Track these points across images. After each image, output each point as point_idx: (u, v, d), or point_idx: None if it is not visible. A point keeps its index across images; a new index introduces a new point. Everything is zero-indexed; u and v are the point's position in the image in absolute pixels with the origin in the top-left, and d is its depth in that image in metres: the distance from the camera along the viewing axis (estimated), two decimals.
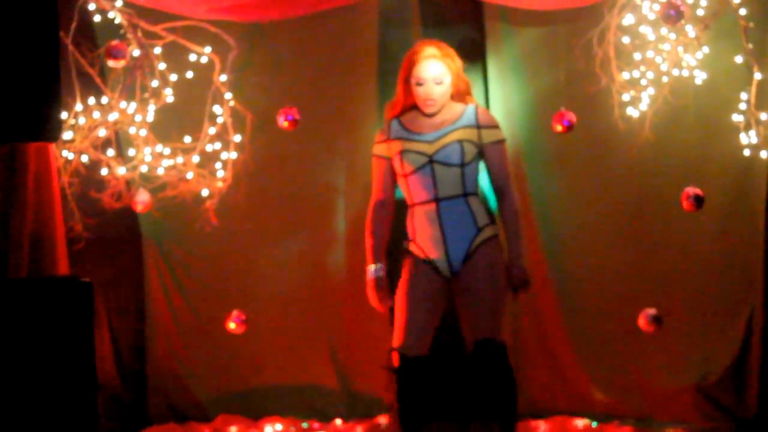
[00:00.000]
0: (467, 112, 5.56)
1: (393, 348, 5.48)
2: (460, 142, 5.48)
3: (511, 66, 6.79)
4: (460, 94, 5.60)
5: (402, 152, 5.53)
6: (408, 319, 5.49)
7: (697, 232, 6.69)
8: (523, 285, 5.53)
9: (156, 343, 6.91)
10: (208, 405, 6.90)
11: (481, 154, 5.57)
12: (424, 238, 5.54)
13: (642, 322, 6.24)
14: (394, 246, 5.76)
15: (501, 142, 5.60)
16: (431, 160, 5.48)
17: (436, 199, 5.49)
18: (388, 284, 5.63)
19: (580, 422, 6.69)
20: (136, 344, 6.93)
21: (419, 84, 5.49)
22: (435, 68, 5.48)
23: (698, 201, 6.14)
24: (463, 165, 5.48)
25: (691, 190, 6.15)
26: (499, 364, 5.40)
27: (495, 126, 5.60)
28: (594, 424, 6.69)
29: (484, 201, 5.73)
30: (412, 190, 5.55)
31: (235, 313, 6.40)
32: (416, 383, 5.42)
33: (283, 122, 6.20)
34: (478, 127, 5.53)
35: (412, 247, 5.60)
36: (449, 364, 5.81)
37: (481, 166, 5.65)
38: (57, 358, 5.87)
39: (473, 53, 6.74)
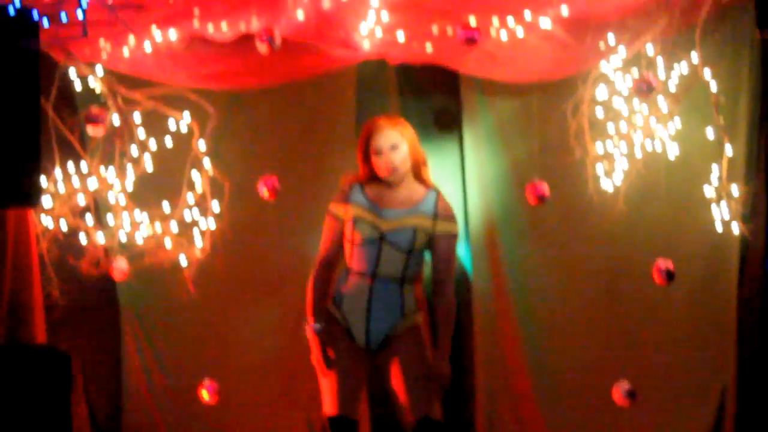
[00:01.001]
0: (428, 198, 5.56)
1: (326, 418, 5.54)
2: (415, 229, 5.48)
3: (486, 136, 6.87)
4: (418, 166, 5.59)
5: (356, 220, 5.54)
6: (338, 383, 5.52)
7: (669, 305, 6.73)
8: (442, 381, 5.48)
9: (132, 410, 6.89)
10: None
11: (428, 244, 5.55)
12: (349, 307, 5.55)
13: (616, 395, 6.25)
14: None
15: (453, 236, 5.57)
16: (381, 237, 5.50)
17: (373, 276, 5.50)
18: (330, 336, 5.58)
19: None
20: (112, 412, 6.90)
21: (378, 153, 5.51)
22: (390, 135, 5.50)
23: (669, 275, 6.17)
24: (410, 252, 5.49)
25: (663, 263, 6.18)
26: None
27: (451, 218, 5.57)
28: None
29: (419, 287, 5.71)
30: (355, 258, 5.56)
31: (207, 381, 6.38)
32: None
33: (263, 191, 6.22)
34: (435, 217, 5.52)
35: (336, 312, 5.60)
36: None
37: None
38: (33, 427, 5.87)
39: (450, 123, 6.86)
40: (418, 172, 5.60)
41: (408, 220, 5.50)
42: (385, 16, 6.02)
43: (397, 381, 5.48)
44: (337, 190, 5.70)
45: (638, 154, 6.35)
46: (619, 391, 6.24)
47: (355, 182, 5.65)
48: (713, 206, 6.37)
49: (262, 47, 5.79)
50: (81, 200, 6.27)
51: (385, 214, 5.52)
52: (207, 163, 6.36)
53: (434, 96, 7.00)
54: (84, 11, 4.92)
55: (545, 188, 6.31)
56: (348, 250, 5.60)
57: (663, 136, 6.33)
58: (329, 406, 5.53)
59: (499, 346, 6.89)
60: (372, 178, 5.60)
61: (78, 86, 6.26)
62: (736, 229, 6.37)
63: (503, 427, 6.85)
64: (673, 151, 6.35)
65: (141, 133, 6.29)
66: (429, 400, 5.46)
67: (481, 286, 6.83)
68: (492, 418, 6.80)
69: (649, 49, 6.20)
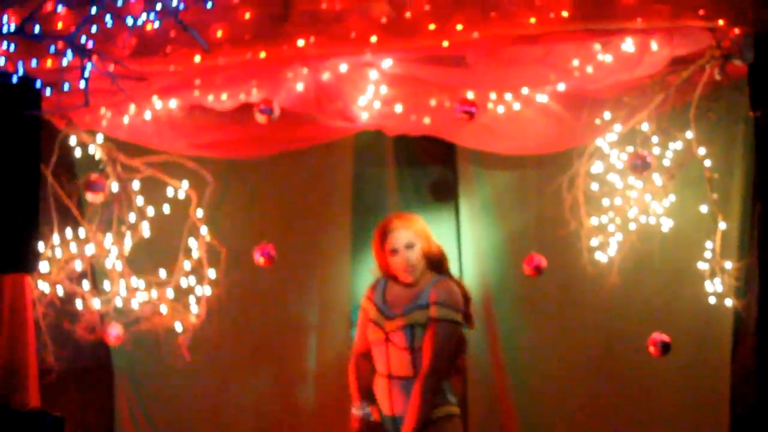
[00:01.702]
0: (427, 287, 5.56)
1: None
2: (412, 327, 5.48)
3: (482, 207, 6.93)
4: (435, 263, 5.62)
5: (371, 322, 5.64)
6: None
7: (663, 376, 6.77)
8: None
9: None
10: None
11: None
12: (380, 402, 5.61)
13: None
14: None
15: (439, 320, 5.43)
16: (387, 339, 5.54)
17: (389, 376, 5.53)
18: (374, 426, 5.60)
19: None
20: None
21: (393, 253, 5.56)
22: (404, 235, 5.54)
23: (665, 347, 6.18)
24: (412, 350, 5.48)
25: (658, 336, 6.19)
26: None
27: (447, 304, 5.47)
28: None
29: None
30: (375, 358, 5.64)
31: None
32: None
33: (259, 258, 6.23)
34: (427, 305, 5.49)
35: (375, 404, 5.66)
36: None
37: None
38: None
39: (446, 193, 6.91)
40: (436, 265, 5.62)
41: (406, 319, 5.51)
42: (384, 89, 6.10)
43: None
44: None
45: (632, 227, 6.40)
46: None
47: (382, 278, 5.71)
48: (707, 281, 6.40)
49: (261, 118, 5.83)
50: (78, 266, 6.27)
51: (391, 314, 5.57)
52: (204, 230, 6.38)
53: (431, 167, 7.07)
54: (86, 80, 4.93)
55: (542, 260, 6.35)
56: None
57: (657, 210, 6.39)
58: None
59: (496, 416, 6.89)
60: (390, 275, 5.66)
61: (78, 153, 6.30)
62: (729, 303, 6.40)
63: None
64: (667, 225, 6.40)
65: (139, 200, 6.32)
66: None
67: (477, 356, 6.82)
68: None
69: (645, 126, 6.26)
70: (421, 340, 5.45)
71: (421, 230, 5.60)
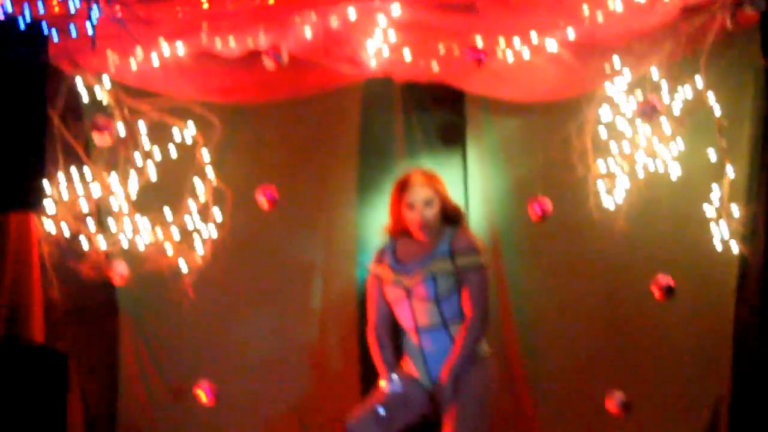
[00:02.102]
0: (445, 238, 5.62)
1: (345, 420, 5.57)
2: (434, 276, 5.54)
3: (490, 153, 6.90)
4: (450, 220, 5.68)
5: (388, 284, 5.67)
6: (373, 411, 5.56)
7: (667, 320, 6.77)
8: (443, 403, 5.51)
9: (128, 413, 6.91)
10: None
11: (459, 282, 5.59)
12: (411, 362, 5.68)
13: (611, 405, 6.28)
14: None
15: (475, 268, 5.58)
16: (408, 294, 5.59)
17: (417, 330, 5.59)
18: (404, 397, 5.63)
19: None
20: (108, 413, 6.93)
21: (410, 207, 5.58)
22: (422, 192, 5.59)
23: (669, 291, 6.21)
24: (437, 300, 5.54)
25: (663, 279, 6.22)
26: None
27: (471, 251, 5.59)
28: None
29: None
30: (399, 318, 5.70)
31: (204, 383, 6.42)
32: None
33: (262, 201, 6.25)
34: (452, 254, 5.57)
35: (404, 363, 5.73)
36: None
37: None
38: (28, 425, 5.91)
39: (454, 139, 6.88)
40: (452, 221, 5.67)
41: (428, 269, 5.56)
42: (392, 35, 6.05)
43: (449, 414, 5.50)
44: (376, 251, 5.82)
45: (640, 174, 6.38)
46: (613, 402, 6.28)
47: (389, 240, 5.76)
48: (713, 225, 6.41)
49: (269, 63, 5.81)
50: (84, 206, 6.28)
51: (408, 269, 5.61)
52: (210, 172, 6.37)
53: (439, 113, 7.02)
54: (93, 25, 4.92)
55: (548, 204, 6.35)
56: (394, 312, 5.71)
57: (665, 156, 6.36)
58: (353, 416, 5.58)
59: (501, 356, 6.91)
60: (402, 230, 5.67)
61: (85, 96, 6.26)
62: (735, 248, 6.41)
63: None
64: (675, 172, 6.38)
65: (146, 142, 6.30)
66: None
67: None
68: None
69: (654, 73, 6.22)
70: (445, 288, 5.53)
71: (441, 189, 5.63)
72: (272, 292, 6.97)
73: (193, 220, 6.41)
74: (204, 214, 6.42)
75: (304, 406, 7.01)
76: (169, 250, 6.36)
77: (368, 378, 6.76)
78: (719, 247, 6.41)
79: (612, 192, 6.44)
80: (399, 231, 5.71)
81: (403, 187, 5.63)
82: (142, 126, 6.29)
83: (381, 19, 5.95)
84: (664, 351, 6.84)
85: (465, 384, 5.51)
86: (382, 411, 5.54)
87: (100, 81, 6.20)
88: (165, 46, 6.01)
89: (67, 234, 6.29)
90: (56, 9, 5.31)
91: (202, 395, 6.43)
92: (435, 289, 5.52)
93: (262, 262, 6.94)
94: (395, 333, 5.87)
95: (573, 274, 6.87)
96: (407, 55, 6.17)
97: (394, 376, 5.62)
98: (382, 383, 5.65)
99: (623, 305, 6.85)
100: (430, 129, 6.99)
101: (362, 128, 6.95)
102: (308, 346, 7.01)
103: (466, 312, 5.58)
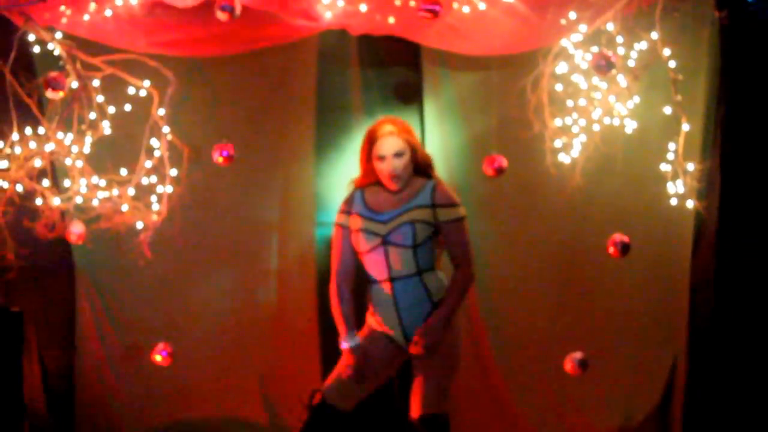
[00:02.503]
0: (425, 189, 5.59)
1: (319, 389, 5.51)
2: (413, 223, 5.50)
3: (447, 109, 6.89)
4: (422, 169, 5.63)
5: (360, 231, 5.58)
6: (345, 373, 5.54)
7: (624, 277, 6.83)
8: (426, 347, 5.46)
9: (85, 373, 6.88)
10: None
11: (437, 231, 5.58)
12: (381, 313, 5.59)
13: (569, 366, 6.28)
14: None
15: (458, 220, 5.58)
16: (384, 241, 5.52)
17: (391, 279, 5.53)
18: (365, 351, 5.59)
19: None
20: (66, 374, 6.90)
21: (381, 159, 5.53)
22: (394, 143, 5.52)
23: (624, 248, 6.22)
24: (415, 246, 5.50)
25: (618, 237, 6.23)
26: None
27: (452, 204, 5.58)
28: None
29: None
30: (368, 268, 5.61)
31: (161, 345, 6.37)
32: (322, 428, 5.47)
33: (218, 158, 6.17)
34: (434, 206, 5.55)
35: (371, 320, 5.66)
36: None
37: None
38: None
39: (410, 95, 6.88)
40: (422, 171, 5.63)
41: (405, 216, 5.52)
42: None
43: (418, 368, 5.52)
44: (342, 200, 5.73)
45: (596, 129, 6.39)
46: (571, 361, 6.28)
47: (356, 189, 5.69)
48: (669, 183, 6.42)
49: (221, 16, 5.76)
50: (38, 164, 6.21)
51: (383, 217, 5.55)
52: (166, 129, 6.32)
53: (395, 68, 7.00)
54: None
55: (503, 161, 6.33)
56: (362, 262, 5.63)
57: (621, 112, 6.37)
58: (329, 382, 5.57)
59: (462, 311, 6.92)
60: (372, 182, 5.64)
61: (37, 50, 6.20)
62: (690, 204, 6.44)
63: (469, 393, 6.91)
64: (630, 127, 6.39)
65: (100, 98, 6.24)
66: (442, 396, 5.51)
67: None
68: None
69: (610, 26, 6.23)
70: (422, 237, 5.50)
71: (412, 139, 5.58)
72: (230, 251, 6.94)
73: (148, 178, 6.36)
74: (159, 171, 6.36)
75: (264, 366, 7.00)
76: (125, 208, 6.30)
77: (328, 338, 6.77)
78: (675, 203, 6.44)
79: (568, 148, 6.44)
80: (369, 182, 5.66)
81: (372, 138, 5.56)
82: (95, 82, 6.22)
83: None
84: (622, 308, 6.90)
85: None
86: (355, 339, 5.53)
87: (52, 35, 6.12)
88: None
89: (21, 192, 6.21)
90: None
91: (159, 358, 6.38)
92: (413, 236, 5.49)
93: (219, 220, 6.90)
94: (357, 289, 5.81)
95: (530, 230, 6.90)
96: (363, 7, 6.13)
97: (354, 335, 5.58)
98: (344, 343, 5.57)
99: (580, 262, 6.88)
100: (386, 84, 6.97)
101: (319, 83, 6.90)
102: (267, 306, 6.99)
103: (455, 261, 5.58)
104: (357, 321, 5.68)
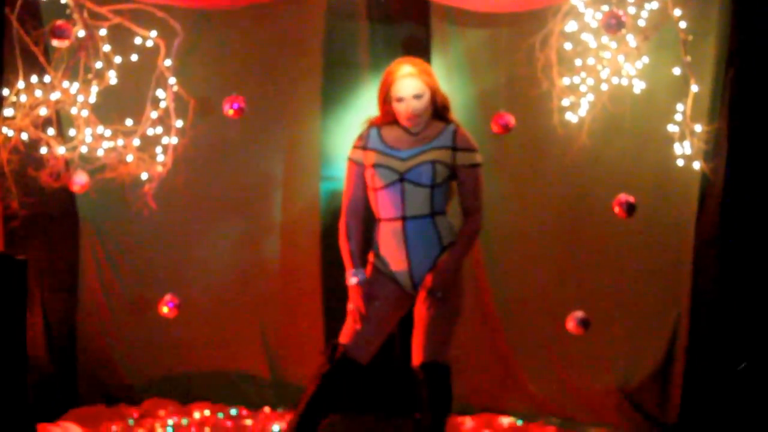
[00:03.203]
0: (445, 132, 5.49)
1: (338, 342, 5.48)
2: (433, 162, 5.42)
3: (455, 65, 6.86)
4: (439, 112, 5.53)
5: (375, 165, 5.46)
6: (361, 326, 5.44)
7: (629, 237, 6.79)
8: (437, 290, 5.41)
9: (88, 324, 6.92)
10: (137, 388, 6.93)
11: (453, 175, 5.51)
12: (388, 254, 5.49)
13: (570, 325, 6.28)
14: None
15: (475, 166, 5.50)
16: (402, 178, 5.42)
17: (403, 218, 5.42)
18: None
19: (506, 420, 6.80)
20: (68, 324, 6.92)
21: (399, 101, 5.43)
22: (413, 84, 5.41)
23: (630, 208, 6.20)
24: (433, 186, 5.42)
25: (624, 197, 6.21)
26: (439, 385, 5.37)
27: (472, 149, 5.51)
28: (519, 422, 6.79)
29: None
30: (381, 205, 5.49)
31: (167, 297, 6.37)
32: (342, 383, 5.44)
33: (228, 110, 6.13)
34: (454, 149, 5.46)
35: (377, 262, 5.55)
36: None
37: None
38: None
39: (418, 51, 6.81)
40: (440, 113, 5.53)
41: (425, 155, 5.42)
42: None
43: (420, 314, 5.43)
44: (357, 136, 5.59)
45: (604, 88, 6.37)
46: (573, 320, 6.27)
47: (372, 126, 5.55)
48: (676, 144, 6.41)
49: None
50: (43, 112, 6.20)
51: (402, 154, 5.43)
52: (172, 80, 6.30)
53: (403, 23, 6.98)
54: None
55: (510, 119, 6.32)
56: (373, 198, 5.51)
57: (630, 72, 6.35)
58: (344, 337, 5.46)
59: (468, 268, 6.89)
60: (390, 121, 5.53)
61: None
62: (697, 166, 6.43)
63: (470, 346, 6.91)
64: (639, 87, 6.37)
65: (106, 47, 6.22)
66: (443, 344, 5.41)
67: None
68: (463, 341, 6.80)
69: None
70: (441, 177, 5.43)
71: (431, 81, 5.47)
72: (234, 205, 6.96)
73: (154, 129, 6.34)
74: (165, 122, 6.35)
75: (267, 320, 7.02)
76: (130, 158, 6.29)
77: (330, 293, 6.79)
78: (681, 164, 6.43)
79: (576, 107, 6.42)
80: (386, 120, 5.53)
81: (391, 79, 5.45)
82: (102, 31, 6.19)
83: None
84: (626, 268, 6.88)
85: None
86: (361, 275, 5.49)
87: None
88: None
89: (26, 140, 6.22)
90: None
91: (165, 309, 6.38)
92: (433, 176, 5.42)
93: (223, 173, 6.92)
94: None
95: (534, 188, 6.89)
96: None
97: (361, 271, 5.54)
98: (351, 278, 5.46)
99: (585, 221, 6.87)
100: (394, 40, 6.95)
101: (326, 38, 6.90)
102: (270, 260, 7.00)
103: (465, 206, 5.50)
104: (363, 260, 5.57)
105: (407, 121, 5.41)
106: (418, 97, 5.40)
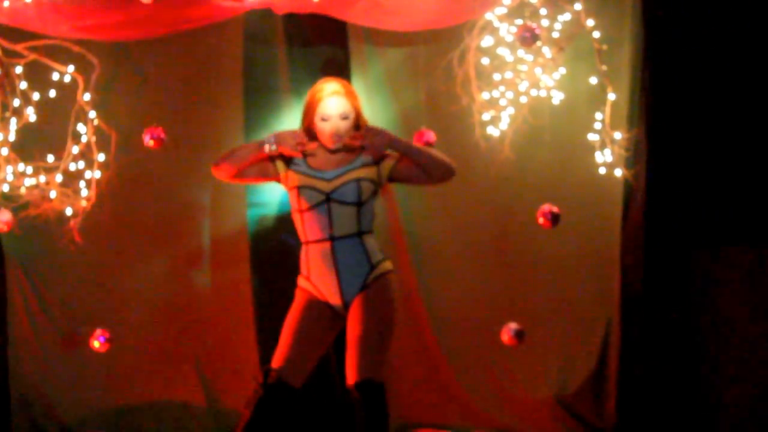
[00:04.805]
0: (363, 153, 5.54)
1: (270, 367, 5.47)
2: (358, 181, 5.44)
3: (375, 85, 6.89)
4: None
5: (299, 187, 5.47)
6: (292, 349, 5.42)
7: (556, 246, 6.85)
8: (370, 141, 5.44)
9: (19, 362, 6.85)
10: (73, 424, 6.86)
11: (377, 192, 5.54)
12: (318, 277, 5.49)
13: (505, 337, 6.28)
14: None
15: (400, 158, 5.52)
16: (328, 198, 5.45)
17: (332, 238, 5.44)
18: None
19: None
20: (0, 363, 6.84)
21: (324, 120, 5.46)
22: (340, 104, 5.46)
23: (555, 218, 6.24)
24: (359, 204, 5.44)
25: (548, 207, 6.24)
26: (375, 404, 5.33)
27: (389, 154, 5.54)
28: None
29: None
30: (307, 227, 5.49)
31: (98, 331, 6.32)
32: (277, 408, 5.42)
33: (148, 141, 6.09)
34: (376, 163, 5.50)
35: (306, 285, 5.55)
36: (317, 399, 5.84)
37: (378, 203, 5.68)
38: None
39: (338, 72, 6.79)
40: None
41: (350, 174, 5.45)
42: None
43: (352, 332, 5.40)
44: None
45: (524, 101, 6.43)
46: (507, 332, 6.28)
47: None
48: (597, 152, 6.48)
49: None
50: None
51: (326, 175, 5.45)
52: (92, 114, 6.27)
53: (322, 46, 6.98)
54: None
55: (431, 135, 6.38)
56: (299, 221, 5.51)
57: (548, 83, 6.41)
58: (276, 361, 5.43)
59: (401, 283, 6.89)
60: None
61: None
62: (619, 173, 6.50)
63: (406, 364, 6.96)
64: (557, 98, 6.44)
65: (23, 85, 6.18)
66: (377, 362, 5.38)
67: (380, 226, 6.82)
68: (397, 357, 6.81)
69: None
70: (367, 194, 5.46)
71: (356, 103, 5.53)
72: (162, 235, 6.93)
73: (76, 164, 6.30)
74: (87, 156, 6.31)
75: (200, 349, 6.99)
76: (53, 195, 6.25)
77: (263, 317, 6.78)
78: (604, 172, 6.49)
79: (497, 121, 6.47)
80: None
81: (318, 98, 5.49)
82: (18, 68, 6.15)
83: None
84: (554, 277, 6.93)
85: (369, 301, 5.43)
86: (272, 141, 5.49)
87: None
88: None
89: None
90: None
91: (96, 344, 6.33)
92: (359, 194, 5.44)
93: (149, 204, 6.88)
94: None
95: (461, 203, 6.91)
96: None
97: (270, 138, 5.50)
98: (266, 148, 5.47)
99: (511, 233, 6.92)
100: (314, 63, 6.95)
101: (246, 64, 6.89)
102: (201, 289, 6.98)
103: (425, 174, 5.52)
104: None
105: (329, 139, 5.44)
106: (344, 117, 5.44)
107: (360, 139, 5.43)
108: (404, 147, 5.49)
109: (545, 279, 6.94)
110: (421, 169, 5.50)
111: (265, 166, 5.56)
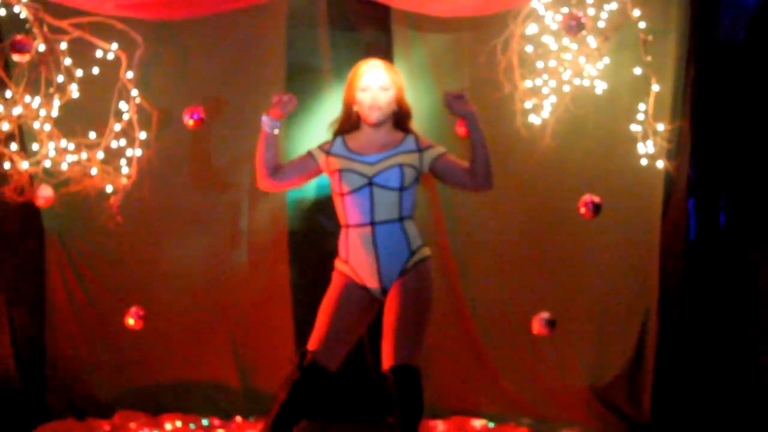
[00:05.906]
0: (408, 139, 5.59)
1: (306, 349, 5.48)
2: (401, 166, 5.47)
3: (417, 70, 6.87)
4: (401, 120, 5.62)
5: (341, 171, 5.50)
6: (329, 332, 5.46)
7: (595, 237, 6.84)
8: (457, 102, 5.58)
9: (56, 338, 6.89)
10: (107, 401, 6.90)
11: (419, 179, 5.59)
12: (357, 261, 5.52)
13: (536, 326, 6.27)
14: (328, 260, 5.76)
15: (444, 153, 5.63)
16: (370, 182, 5.47)
17: (372, 223, 5.46)
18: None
19: (478, 422, 6.81)
20: (36, 338, 6.89)
21: (363, 90, 5.50)
22: (380, 76, 5.52)
23: (596, 208, 6.20)
24: (401, 189, 5.47)
25: (589, 197, 6.21)
26: (411, 389, 5.36)
27: (434, 145, 5.62)
28: (491, 425, 6.81)
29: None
30: (348, 210, 5.52)
31: (133, 309, 6.33)
32: (312, 390, 5.44)
33: (188, 120, 6.09)
34: (420, 150, 5.54)
35: (344, 268, 5.58)
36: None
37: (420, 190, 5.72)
38: None
39: (380, 56, 6.77)
40: (401, 121, 5.61)
41: (392, 159, 5.48)
42: None
43: (390, 317, 5.43)
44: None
45: (566, 90, 6.39)
46: (538, 322, 6.24)
47: (336, 136, 5.64)
48: (639, 143, 6.45)
49: None
50: (5, 127, 6.15)
51: (369, 159, 5.49)
52: (134, 92, 6.28)
53: (365, 29, 6.98)
54: None
55: None
56: (340, 205, 5.56)
57: (591, 73, 6.38)
58: (312, 343, 5.48)
59: (440, 273, 6.87)
60: (353, 126, 5.60)
61: (2, 13, 6.15)
62: (660, 165, 6.47)
63: (445, 353, 6.95)
64: (600, 88, 6.40)
65: (67, 61, 6.18)
66: (413, 347, 5.41)
67: (422, 217, 6.82)
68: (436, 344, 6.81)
69: None
70: (410, 180, 5.50)
71: (398, 80, 5.57)
72: (200, 214, 6.94)
73: (117, 141, 6.32)
74: (129, 134, 6.32)
75: (236, 330, 7.00)
76: (94, 171, 6.26)
77: (300, 300, 6.78)
78: (645, 163, 6.46)
79: (539, 109, 6.44)
80: (348, 125, 5.61)
81: (359, 72, 5.54)
82: (63, 45, 6.16)
83: None
84: (593, 268, 6.92)
85: (408, 287, 5.46)
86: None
87: None
88: None
89: None
90: None
91: (131, 321, 6.34)
92: (401, 179, 5.46)
93: (188, 183, 6.91)
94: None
95: (501, 191, 6.80)
96: None
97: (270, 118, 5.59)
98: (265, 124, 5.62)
99: (551, 222, 6.89)
100: (356, 46, 6.94)
101: (288, 46, 6.88)
102: (238, 269, 6.98)
103: (471, 176, 5.65)
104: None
105: (369, 111, 5.45)
106: (384, 89, 5.46)
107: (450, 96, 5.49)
108: (475, 125, 5.55)
109: (584, 268, 6.93)
110: (471, 163, 5.55)
111: (304, 163, 5.62)
